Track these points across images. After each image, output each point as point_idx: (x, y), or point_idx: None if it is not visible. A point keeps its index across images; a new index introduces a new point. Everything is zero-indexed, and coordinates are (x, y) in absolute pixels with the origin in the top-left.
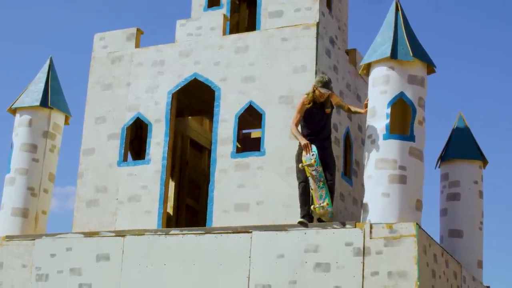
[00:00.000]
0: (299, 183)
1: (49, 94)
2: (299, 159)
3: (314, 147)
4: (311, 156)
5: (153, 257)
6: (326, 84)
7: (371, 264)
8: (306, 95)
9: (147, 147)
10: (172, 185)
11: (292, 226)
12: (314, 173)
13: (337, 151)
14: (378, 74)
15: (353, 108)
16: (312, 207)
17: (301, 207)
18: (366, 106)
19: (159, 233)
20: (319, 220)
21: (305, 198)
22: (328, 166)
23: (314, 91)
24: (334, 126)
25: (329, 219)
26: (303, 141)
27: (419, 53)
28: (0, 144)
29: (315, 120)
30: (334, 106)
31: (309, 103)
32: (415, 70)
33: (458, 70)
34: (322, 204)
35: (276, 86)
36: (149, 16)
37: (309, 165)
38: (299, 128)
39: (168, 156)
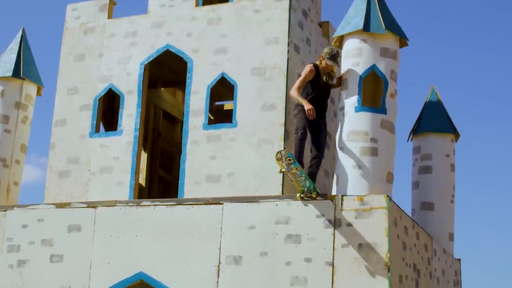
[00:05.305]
0: (296, 130)
1: (22, 64)
2: (300, 119)
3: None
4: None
5: (125, 228)
6: (333, 56)
7: (342, 236)
8: (312, 65)
9: (119, 118)
10: (144, 156)
11: (263, 197)
12: (294, 172)
13: None
14: (351, 46)
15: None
16: (298, 195)
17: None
18: (340, 79)
19: (130, 204)
20: (304, 196)
21: (301, 145)
22: (320, 139)
23: (321, 62)
24: None
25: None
26: (308, 105)
27: (392, 26)
28: None
29: (318, 90)
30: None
31: (314, 73)
32: (388, 43)
33: (431, 43)
34: (309, 195)
35: (248, 57)
36: None
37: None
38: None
39: (141, 128)
